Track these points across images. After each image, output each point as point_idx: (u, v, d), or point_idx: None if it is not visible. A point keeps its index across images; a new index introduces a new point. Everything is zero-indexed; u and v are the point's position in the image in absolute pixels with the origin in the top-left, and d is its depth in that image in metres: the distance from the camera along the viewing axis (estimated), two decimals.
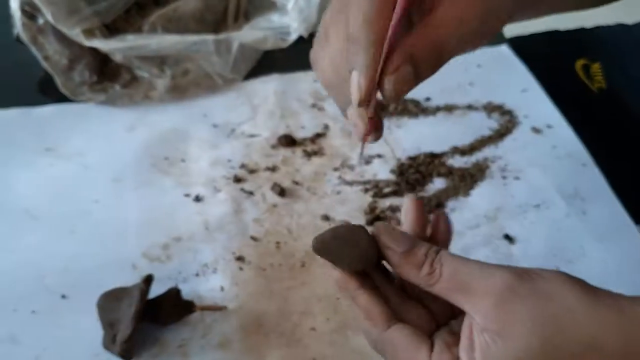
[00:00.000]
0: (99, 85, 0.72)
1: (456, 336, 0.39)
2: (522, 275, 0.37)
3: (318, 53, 0.43)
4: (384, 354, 0.41)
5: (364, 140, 0.40)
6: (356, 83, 0.36)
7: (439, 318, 0.42)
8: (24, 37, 0.72)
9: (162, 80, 0.71)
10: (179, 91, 0.72)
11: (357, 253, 0.39)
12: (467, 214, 0.60)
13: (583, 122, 0.69)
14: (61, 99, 0.72)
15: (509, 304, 0.36)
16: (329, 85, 0.43)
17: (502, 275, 0.37)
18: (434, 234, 0.42)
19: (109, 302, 0.50)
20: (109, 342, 0.49)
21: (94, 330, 0.50)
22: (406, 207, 0.42)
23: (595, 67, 0.76)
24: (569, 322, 0.36)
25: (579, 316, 0.36)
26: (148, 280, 0.51)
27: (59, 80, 0.72)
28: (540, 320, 0.36)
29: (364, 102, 0.37)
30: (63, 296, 0.54)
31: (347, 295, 0.41)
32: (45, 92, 0.74)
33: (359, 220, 0.60)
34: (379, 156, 0.66)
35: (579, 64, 0.78)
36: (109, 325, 0.49)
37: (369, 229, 0.40)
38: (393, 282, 0.42)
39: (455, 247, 0.57)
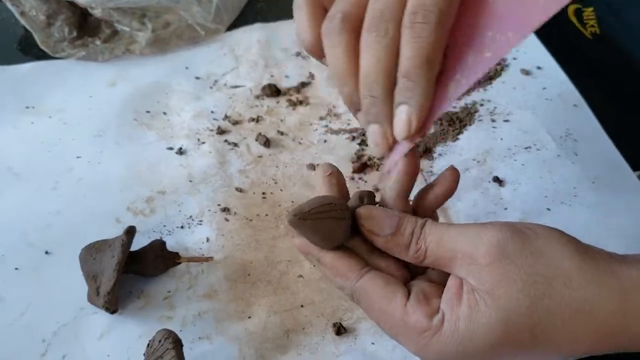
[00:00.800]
0: (78, 40, 0.70)
1: (435, 286, 0.38)
2: (514, 231, 0.36)
3: (335, 26, 0.37)
4: (360, 305, 0.40)
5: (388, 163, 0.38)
6: (406, 119, 0.35)
7: (413, 268, 0.41)
8: None
9: (143, 34, 0.70)
10: (161, 44, 0.70)
11: (334, 234, 0.38)
12: (456, 158, 0.59)
13: (577, 68, 0.68)
14: (42, 56, 0.70)
15: (499, 263, 0.35)
16: (346, 76, 0.37)
17: (491, 235, 0.36)
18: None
19: (91, 254, 0.50)
20: (93, 295, 0.49)
21: (79, 284, 0.50)
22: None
23: (589, 12, 0.74)
24: (560, 284, 0.35)
25: (572, 278, 0.35)
26: (130, 231, 0.50)
27: (37, 37, 0.70)
28: (531, 280, 0.35)
29: (408, 139, 0.36)
30: (47, 252, 0.53)
31: (311, 258, 0.40)
32: (25, 49, 0.72)
33: (347, 168, 0.59)
34: None
35: (572, 9, 0.75)
36: (92, 277, 0.49)
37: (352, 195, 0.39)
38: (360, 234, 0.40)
39: None
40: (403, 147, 0.37)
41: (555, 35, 0.70)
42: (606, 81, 0.71)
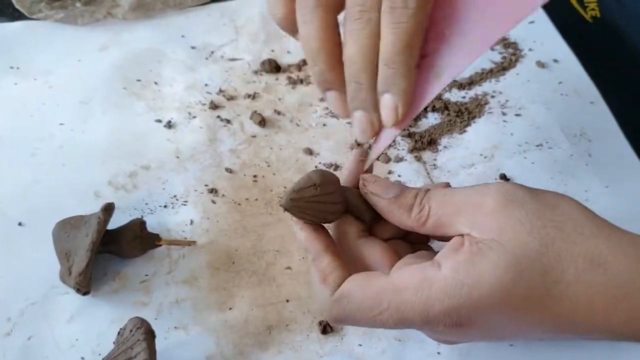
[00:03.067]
0: (57, 2, 0.66)
1: (424, 259, 0.37)
2: (521, 186, 0.36)
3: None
4: (346, 311, 0.37)
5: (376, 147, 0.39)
6: (392, 106, 0.36)
7: (401, 252, 0.40)
8: None
9: None
10: (145, 9, 0.65)
11: (328, 210, 0.38)
12: (461, 152, 0.56)
13: (578, 53, 0.64)
14: (17, 16, 0.65)
15: (506, 208, 0.34)
16: (318, 54, 0.38)
17: (499, 186, 0.35)
18: None
19: (65, 231, 0.46)
20: (65, 274, 0.46)
21: (52, 260, 0.47)
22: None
23: None
24: (571, 229, 0.34)
25: (583, 226, 0.34)
26: (108, 208, 0.46)
27: None
28: (540, 223, 0.34)
29: (396, 126, 0.37)
30: (20, 223, 0.50)
31: (310, 255, 0.39)
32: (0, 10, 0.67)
33: (344, 154, 0.56)
34: None
35: None
36: (65, 255, 0.46)
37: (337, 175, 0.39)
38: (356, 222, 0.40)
39: None
40: (390, 134, 0.38)
41: (555, 18, 0.68)
42: (606, 65, 0.69)
